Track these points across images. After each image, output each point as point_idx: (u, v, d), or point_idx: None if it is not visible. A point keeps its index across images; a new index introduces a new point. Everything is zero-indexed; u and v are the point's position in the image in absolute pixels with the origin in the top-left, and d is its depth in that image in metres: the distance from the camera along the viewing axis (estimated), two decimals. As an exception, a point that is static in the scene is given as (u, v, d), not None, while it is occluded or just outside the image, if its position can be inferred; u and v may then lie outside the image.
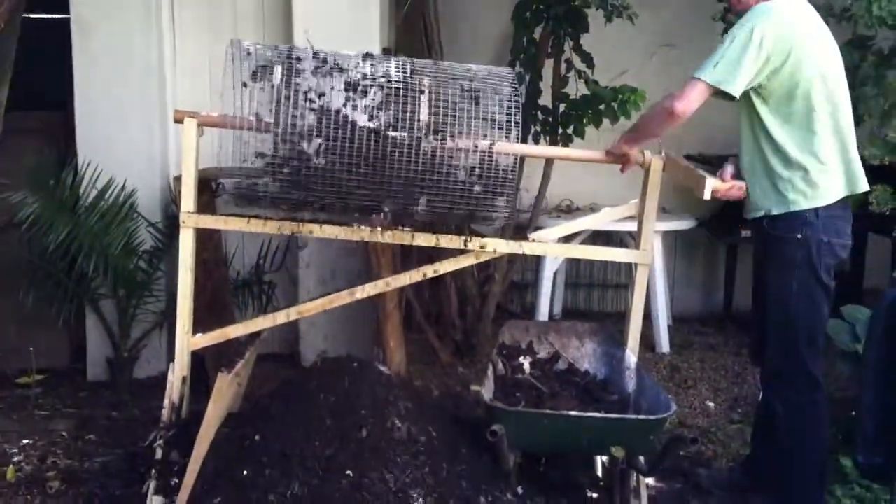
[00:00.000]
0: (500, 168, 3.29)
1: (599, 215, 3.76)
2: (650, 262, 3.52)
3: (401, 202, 3.31)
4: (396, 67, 3.33)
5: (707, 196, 3.26)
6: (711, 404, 4.55)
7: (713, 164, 5.61)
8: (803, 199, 3.13)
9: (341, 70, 3.28)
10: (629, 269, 3.59)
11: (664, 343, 5.32)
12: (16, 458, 3.83)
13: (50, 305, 4.57)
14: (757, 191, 3.26)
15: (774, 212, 3.18)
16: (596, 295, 6.15)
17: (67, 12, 4.68)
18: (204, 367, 4.29)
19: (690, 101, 3.08)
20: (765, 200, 3.22)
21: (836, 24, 4.07)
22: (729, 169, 3.41)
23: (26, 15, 4.61)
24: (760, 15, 3.06)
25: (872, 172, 4.22)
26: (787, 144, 3.14)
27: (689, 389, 4.73)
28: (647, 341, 5.31)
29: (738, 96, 3.08)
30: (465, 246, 3.41)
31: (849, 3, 3.98)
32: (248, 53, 3.25)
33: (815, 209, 3.13)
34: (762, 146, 3.20)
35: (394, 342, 4.55)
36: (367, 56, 3.37)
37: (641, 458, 3.18)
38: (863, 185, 3.22)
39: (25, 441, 4.00)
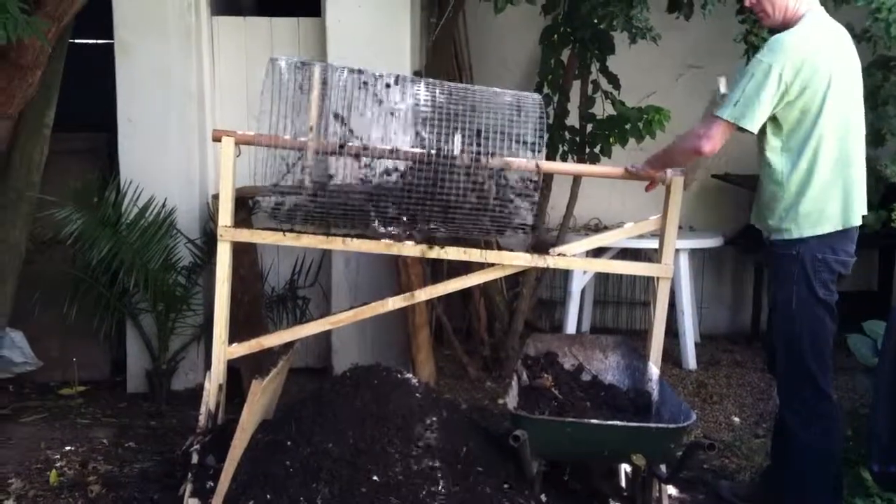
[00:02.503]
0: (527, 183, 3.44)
1: (623, 230, 3.86)
2: (671, 275, 3.60)
3: (436, 220, 3.45)
4: (429, 91, 3.47)
5: None
6: (737, 419, 4.60)
7: (741, 184, 5.71)
8: (795, 230, 3.22)
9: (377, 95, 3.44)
10: (657, 287, 3.68)
11: (691, 360, 5.36)
12: (58, 464, 3.97)
13: (92, 319, 4.73)
14: (763, 212, 3.36)
15: (774, 237, 3.29)
16: (624, 312, 6.21)
17: (111, 37, 4.88)
18: (240, 380, 4.43)
19: (715, 141, 3.20)
20: (767, 223, 3.33)
21: (857, 44, 4.13)
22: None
23: (72, 40, 4.83)
24: (779, 49, 3.13)
25: (894, 190, 4.30)
26: (787, 174, 3.21)
27: (714, 405, 4.78)
28: (675, 358, 5.37)
29: (755, 132, 3.18)
30: (491, 259, 3.53)
31: (868, 24, 4.04)
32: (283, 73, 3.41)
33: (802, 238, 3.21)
34: (767, 172, 3.28)
35: (423, 356, 4.67)
36: (400, 79, 3.51)
37: (662, 467, 3.25)
38: (858, 219, 3.26)
39: (68, 448, 4.15)
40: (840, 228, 3.22)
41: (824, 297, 3.22)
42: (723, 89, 3.68)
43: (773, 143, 3.22)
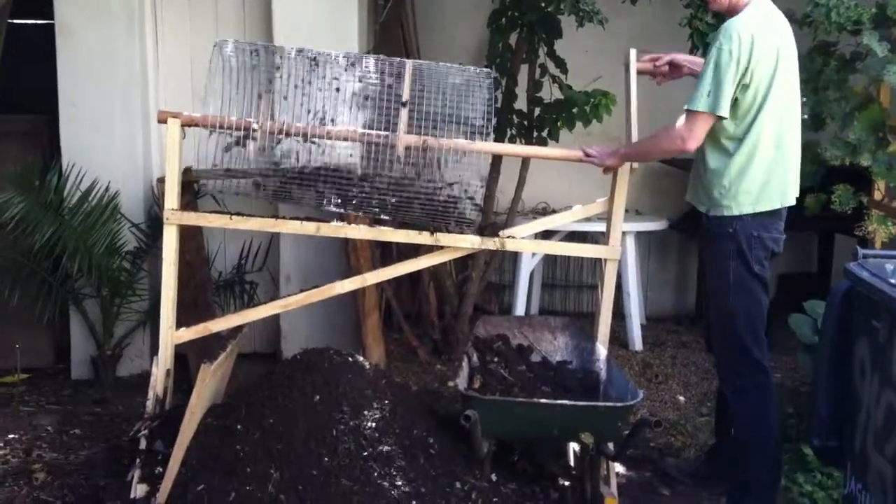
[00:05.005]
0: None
1: (571, 213, 3.88)
2: (618, 257, 3.64)
3: (378, 202, 3.45)
4: (376, 68, 3.46)
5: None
6: (682, 398, 4.68)
7: (685, 168, 5.78)
8: (735, 207, 3.31)
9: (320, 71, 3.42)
10: (604, 270, 3.72)
11: (637, 341, 5.44)
12: (1, 452, 3.91)
13: (34, 305, 4.64)
14: (700, 189, 3.46)
15: (712, 213, 3.37)
16: (572, 295, 6.27)
17: (52, 17, 4.77)
18: (187, 368, 4.39)
19: (699, 136, 3.25)
20: (706, 199, 3.41)
21: (798, 29, 4.21)
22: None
23: (11, 20, 4.71)
24: (733, 33, 3.19)
25: (834, 173, 4.39)
26: (733, 155, 3.30)
27: (660, 385, 4.87)
28: (621, 339, 5.45)
29: (728, 118, 3.23)
30: (440, 242, 3.54)
31: (809, 10, 4.12)
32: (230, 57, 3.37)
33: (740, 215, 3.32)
34: (711, 152, 3.35)
35: (372, 340, 4.66)
36: (347, 57, 3.50)
37: (610, 445, 3.30)
38: (792, 199, 3.40)
39: (11, 436, 4.09)
40: (777, 207, 3.34)
41: (759, 273, 3.34)
42: (633, 59, 3.74)
43: (726, 124, 3.28)
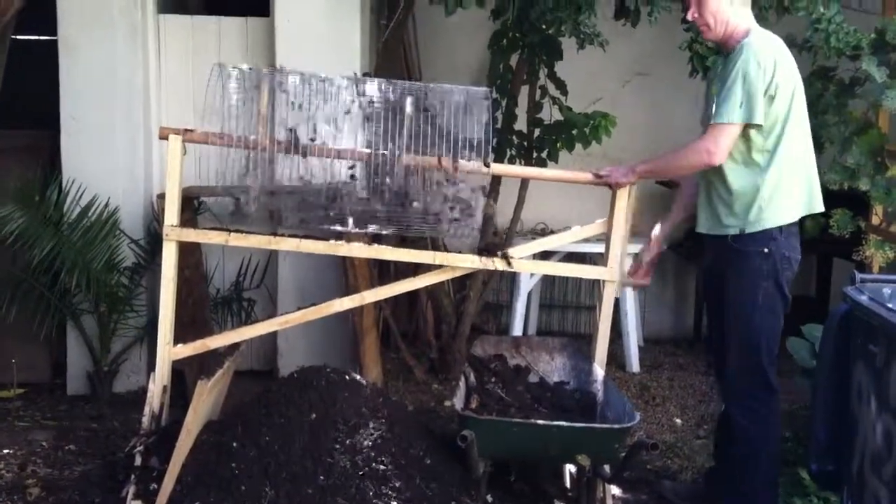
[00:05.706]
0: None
1: (569, 233, 3.89)
2: (617, 278, 3.64)
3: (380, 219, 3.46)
4: (378, 89, 3.48)
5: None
6: (679, 421, 4.68)
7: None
8: (773, 217, 3.31)
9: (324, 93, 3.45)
10: (602, 291, 3.72)
11: (634, 363, 5.44)
12: (-5, 467, 3.90)
13: (32, 319, 4.63)
14: (722, 214, 3.40)
15: (748, 230, 3.33)
16: (570, 316, 6.28)
17: (55, 34, 4.79)
18: (183, 384, 4.38)
19: (723, 149, 3.27)
20: (735, 220, 3.36)
21: (798, 54, 4.23)
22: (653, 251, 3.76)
23: (15, 36, 4.74)
24: (756, 50, 3.24)
25: (832, 197, 4.39)
26: (767, 167, 3.30)
27: (657, 407, 4.86)
28: (618, 361, 5.44)
29: (763, 124, 3.26)
30: (439, 261, 3.54)
31: (808, 35, 4.15)
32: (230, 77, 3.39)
33: (781, 226, 3.31)
34: (735, 172, 3.34)
35: (370, 359, 4.66)
36: (348, 78, 3.52)
37: (606, 467, 3.29)
38: (820, 205, 3.43)
39: (6, 451, 4.07)
40: (806, 213, 3.40)
41: (786, 294, 3.36)
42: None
43: (755, 137, 3.29)
